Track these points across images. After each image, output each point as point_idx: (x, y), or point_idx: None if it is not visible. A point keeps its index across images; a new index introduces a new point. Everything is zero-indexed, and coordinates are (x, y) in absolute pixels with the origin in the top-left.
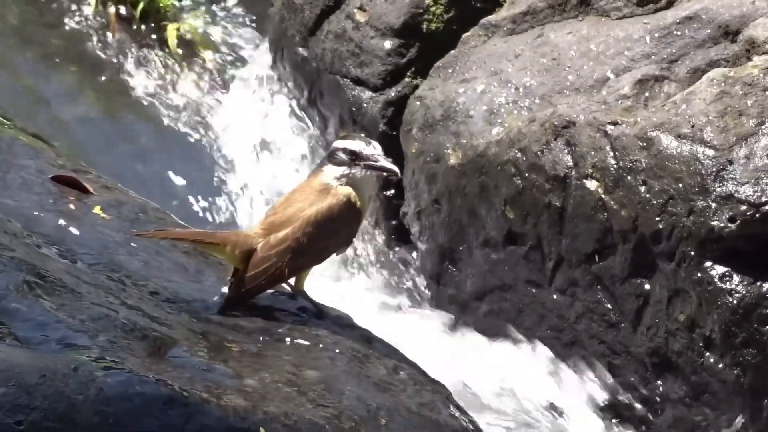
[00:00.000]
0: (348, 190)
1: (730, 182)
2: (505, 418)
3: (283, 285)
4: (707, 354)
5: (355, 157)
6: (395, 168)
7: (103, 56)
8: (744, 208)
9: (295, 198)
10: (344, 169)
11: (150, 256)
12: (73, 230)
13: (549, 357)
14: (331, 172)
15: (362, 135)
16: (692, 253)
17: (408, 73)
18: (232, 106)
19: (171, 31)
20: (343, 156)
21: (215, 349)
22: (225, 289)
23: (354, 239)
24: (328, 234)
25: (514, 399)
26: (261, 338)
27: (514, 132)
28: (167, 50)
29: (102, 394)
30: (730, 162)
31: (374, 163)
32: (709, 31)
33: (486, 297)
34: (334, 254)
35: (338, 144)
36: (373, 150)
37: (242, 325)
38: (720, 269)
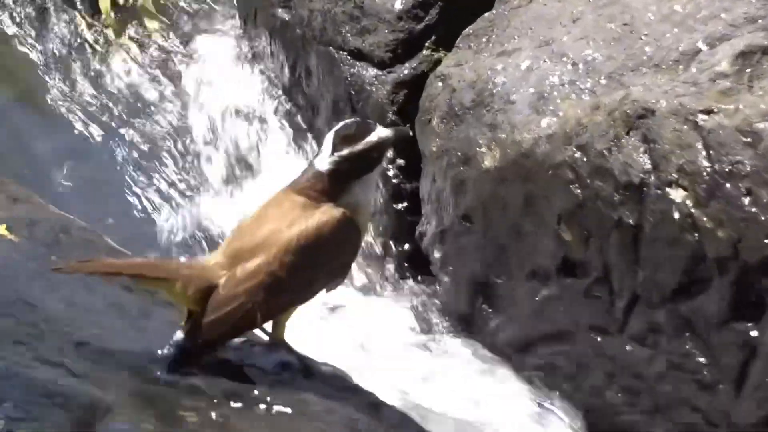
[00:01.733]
0: (345, 205)
1: None
2: None
3: (257, 331)
4: None
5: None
6: (393, 132)
7: (10, 30)
8: None
9: (269, 215)
10: (346, 182)
11: (76, 293)
12: None
13: (624, 429)
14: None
15: (369, 121)
16: None
17: (427, 44)
18: (187, 91)
19: None
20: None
21: (165, 419)
22: (178, 337)
23: (350, 269)
24: (317, 263)
25: None
26: (227, 404)
27: (571, 123)
28: (100, 19)
29: None
30: None
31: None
32: None
33: (533, 348)
34: (324, 290)
35: (335, 133)
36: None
37: (201, 387)
38: None
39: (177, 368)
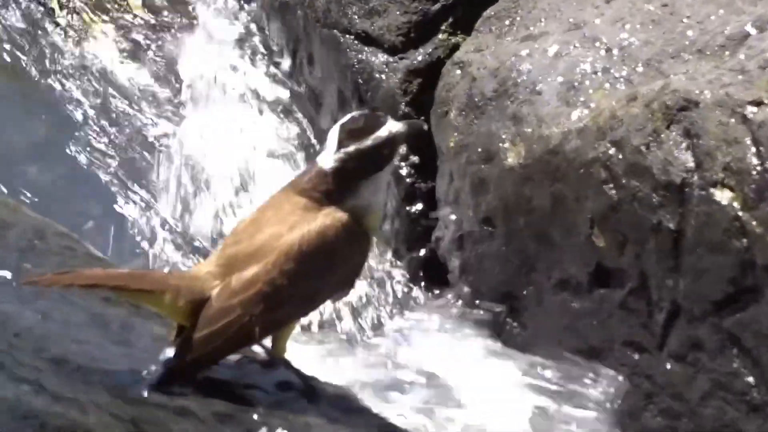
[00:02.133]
0: (351, 206)
1: None
2: None
3: (255, 347)
4: None
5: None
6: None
7: None
8: None
9: (267, 218)
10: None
11: (52, 305)
12: None
13: None
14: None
15: (378, 113)
16: None
17: (443, 26)
18: (174, 79)
19: None
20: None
21: None
22: (167, 354)
23: (358, 278)
24: (321, 272)
25: None
26: (221, 428)
27: (604, 116)
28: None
29: None
30: None
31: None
32: None
33: (564, 367)
34: (329, 301)
35: (341, 127)
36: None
37: (192, 410)
38: None
39: (165, 388)
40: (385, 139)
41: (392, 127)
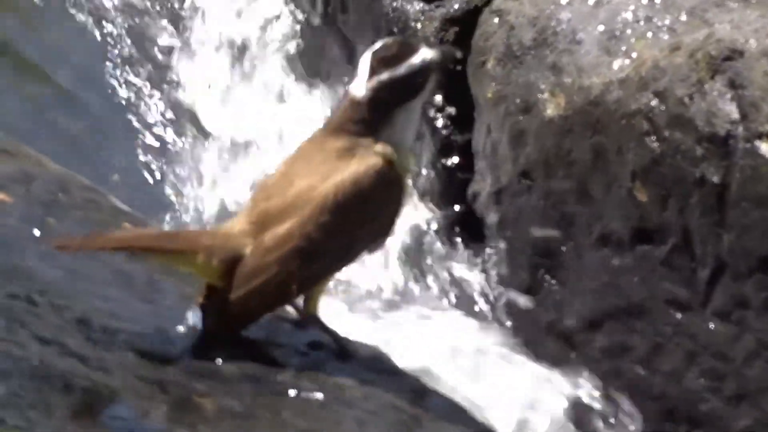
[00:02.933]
0: (384, 148)
1: None
2: None
3: (286, 306)
4: None
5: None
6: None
7: None
8: None
9: (297, 169)
10: (382, 113)
11: (76, 261)
12: None
13: (704, 418)
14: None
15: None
16: None
17: None
18: (195, 26)
19: None
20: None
21: (178, 407)
22: (193, 315)
23: (395, 225)
24: (358, 222)
25: None
26: (250, 390)
27: (647, 66)
28: None
29: None
30: None
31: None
32: None
33: (604, 325)
34: (366, 252)
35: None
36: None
37: (220, 371)
38: None
39: (194, 348)
40: (419, 65)
41: (426, 53)
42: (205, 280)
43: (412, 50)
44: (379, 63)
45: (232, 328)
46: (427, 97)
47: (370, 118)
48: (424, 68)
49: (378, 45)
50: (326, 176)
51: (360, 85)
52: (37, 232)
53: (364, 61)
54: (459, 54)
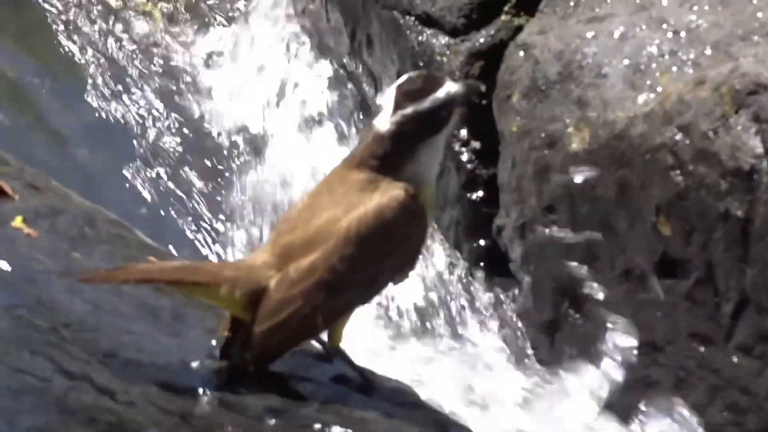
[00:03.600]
0: (407, 180)
1: None
2: None
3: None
4: None
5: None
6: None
7: None
8: None
9: (321, 202)
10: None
11: (101, 294)
12: None
13: None
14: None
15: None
16: None
17: (506, 7)
18: (230, 59)
19: None
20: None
21: None
22: (216, 346)
23: (419, 258)
24: (381, 253)
25: None
26: (274, 423)
27: (671, 100)
28: None
29: None
30: None
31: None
32: None
33: (627, 358)
34: (391, 284)
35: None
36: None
37: (244, 404)
38: None
39: (219, 381)
40: (444, 100)
41: (450, 88)
42: (229, 312)
43: (436, 84)
44: (404, 97)
45: (258, 362)
46: (451, 132)
47: (394, 153)
48: (449, 102)
49: (403, 79)
50: (349, 208)
51: (384, 120)
52: (62, 267)
53: (389, 95)
54: (483, 88)
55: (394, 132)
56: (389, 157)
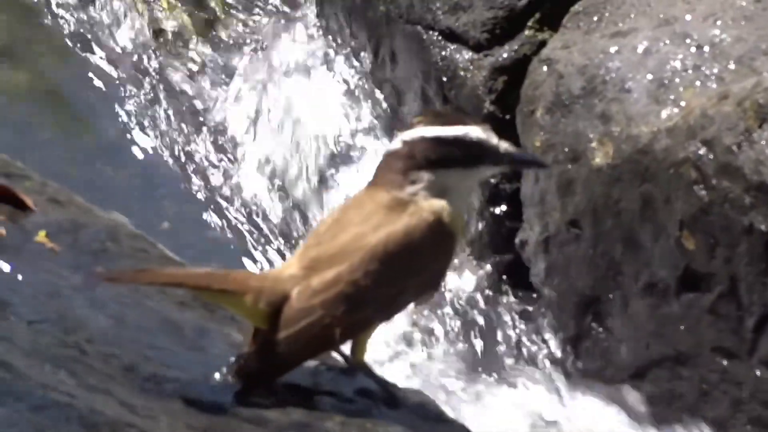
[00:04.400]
0: (437, 205)
1: None
2: None
3: (333, 353)
4: None
5: (471, 152)
6: (543, 160)
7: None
8: None
9: (349, 218)
10: (437, 173)
11: (124, 309)
12: (4, 268)
13: None
14: (411, 178)
15: (460, 113)
16: None
17: (529, 23)
18: (251, 78)
19: None
20: (442, 149)
21: None
22: (237, 359)
23: (443, 280)
24: (405, 273)
25: None
26: None
27: (695, 115)
28: None
29: None
30: None
31: (515, 156)
32: None
33: (650, 372)
34: (413, 304)
35: (426, 131)
36: (495, 138)
37: (268, 418)
38: None
39: (240, 396)
40: (452, 137)
41: (473, 131)
42: (252, 322)
43: (462, 121)
44: (424, 120)
45: (276, 371)
46: (483, 178)
47: (421, 178)
48: (460, 141)
49: (428, 110)
50: (378, 226)
51: (410, 144)
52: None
53: (417, 124)
54: (541, 169)
55: (400, 151)
56: (417, 182)
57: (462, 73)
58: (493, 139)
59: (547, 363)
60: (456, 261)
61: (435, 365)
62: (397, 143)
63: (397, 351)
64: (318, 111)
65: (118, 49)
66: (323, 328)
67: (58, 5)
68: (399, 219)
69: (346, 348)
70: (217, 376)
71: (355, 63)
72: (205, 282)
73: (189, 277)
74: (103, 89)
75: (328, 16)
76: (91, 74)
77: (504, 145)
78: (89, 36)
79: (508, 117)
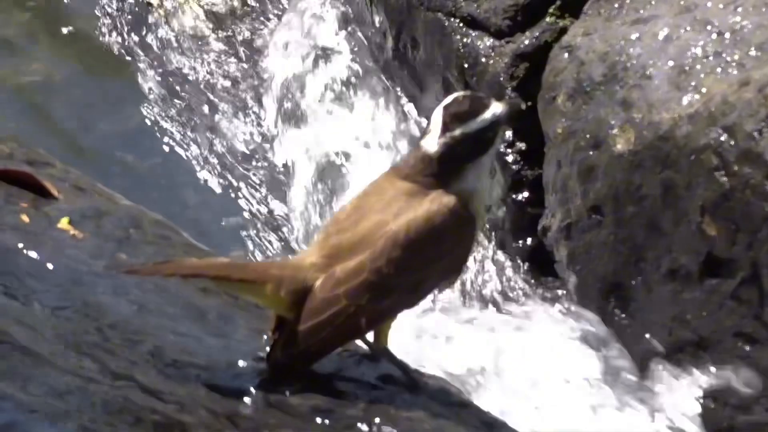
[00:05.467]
0: (458, 190)
1: None
2: None
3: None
4: None
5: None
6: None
7: None
8: None
9: (370, 205)
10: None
11: (147, 296)
12: (28, 255)
13: None
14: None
15: (480, 94)
16: None
17: (550, 9)
18: (274, 63)
19: None
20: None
21: None
22: (266, 347)
23: (465, 266)
24: (428, 259)
25: None
26: (321, 423)
27: (716, 101)
28: None
29: None
30: None
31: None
32: None
33: (673, 358)
34: (436, 291)
35: (445, 110)
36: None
37: (291, 404)
38: None
39: (264, 383)
40: (490, 121)
41: (496, 109)
42: (274, 311)
43: (483, 105)
44: (452, 119)
45: (301, 361)
46: (497, 149)
47: (441, 173)
48: (495, 123)
49: (449, 99)
50: (399, 213)
51: (432, 140)
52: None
53: (436, 116)
54: (523, 105)
55: (442, 153)
56: (436, 176)
57: (483, 59)
58: (498, 110)
59: (571, 349)
60: (478, 247)
61: (457, 352)
62: (425, 146)
63: (420, 338)
64: (341, 97)
65: (140, 37)
66: (348, 318)
67: None
68: (420, 205)
69: (369, 335)
70: (240, 362)
71: (373, 49)
72: (224, 272)
73: (209, 268)
74: (125, 77)
75: (350, 2)
76: (113, 62)
77: (497, 110)
78: (109, 22)
79: (529, 103)
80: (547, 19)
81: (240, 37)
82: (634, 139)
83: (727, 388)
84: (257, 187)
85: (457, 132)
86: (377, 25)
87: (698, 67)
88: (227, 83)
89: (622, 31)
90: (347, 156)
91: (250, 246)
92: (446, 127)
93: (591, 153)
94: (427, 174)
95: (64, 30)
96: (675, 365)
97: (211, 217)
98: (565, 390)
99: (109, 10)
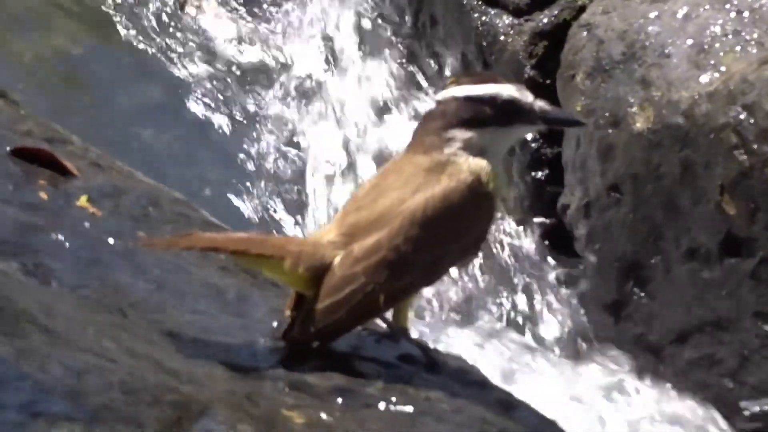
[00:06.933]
0: (475, 166)
1: None
2: None
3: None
4: None
5: (504, 110)
6: (580, 118)
7: None
8: None
9: (388, 182)
10: (472, 132)
11: (166, 274)
12: (46, 233)
13: None
14: (448, 138)
15: (495, 73)
16: None
17: None
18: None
19: None
20: (476, 108)
21: (266, 420)
22: (285, 325)
23: (484, 243)
24: (446, 237)
25: None
26: (339, 402)
27: (735, 80)
28: None
29: None
30: None
31: (550, 114)
32: None
33: (691, 338)
34: (454, 267)
35: (459, 91)
36: (530, 96)
37: (309, 383)
38: None
39: (283, 362)
40: (485, 96)
41: (505, 89)
42: (291, 287)
43: (495, 80)
44: (458, 81)
45: (320, 339)
46: (520, 137)
47: (454, 137)
48: (491, 100)
49: (466, 72)
50: (417, 190)
51: (447, 103)
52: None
53: (452, 84)
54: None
55: (435, 110)
56: (453, 141)
57: (502, 38)
58: (528, 98)
59: (589, 329)
60: (497, 225)
61: (477, 330)
62: (432, 105)
63: (439, 316)
64: (361, 75)
65: (160, 12)
66: (367, 296)
67: None
68: (438, 182)
69: (388, 313)
70: (260, 341)
71: (393, 27)
72: (243, 246)
73: (227, 242)
74: (144, 53)
75: None
76: (131, 38)
77: (539, 104)
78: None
79: (548, 82)
80: None
81: (259, 19)
82: (653, 118)
83: (746, 368)
84: (279, 166)
85: (450, 91)
86: (396, 3)
87: (717, 45)
88: (247, 60)
89: (641, 10)
90: (369, 134)
91: (269, 225)
92: (447, 87)
93: (610, 131)
94: (445, 140)
95: (83, 5)
96: (693, 345)
97: (230, 195)
98: (578, 368)
99: None
